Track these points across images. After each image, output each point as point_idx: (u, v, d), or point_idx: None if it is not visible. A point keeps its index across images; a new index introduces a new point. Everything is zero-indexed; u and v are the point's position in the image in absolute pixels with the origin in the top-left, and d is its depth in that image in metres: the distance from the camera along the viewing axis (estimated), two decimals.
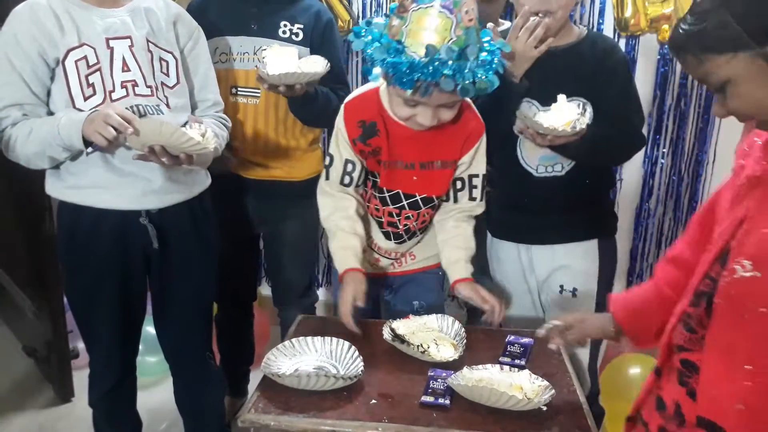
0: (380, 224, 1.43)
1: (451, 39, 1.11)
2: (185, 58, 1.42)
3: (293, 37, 1.61)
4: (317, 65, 1.46)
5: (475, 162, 1.36)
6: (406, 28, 1.14)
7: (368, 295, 1.37)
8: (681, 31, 0.79)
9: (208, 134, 1.30)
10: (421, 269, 1.49)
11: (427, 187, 1.35)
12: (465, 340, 1.25)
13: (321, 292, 2.42)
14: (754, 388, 0.78)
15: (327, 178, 1.38)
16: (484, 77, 1.14)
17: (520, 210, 1.51)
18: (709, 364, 0.83)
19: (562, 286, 1.52)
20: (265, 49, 1.46)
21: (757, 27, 0.74)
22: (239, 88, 1.62)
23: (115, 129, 1.19)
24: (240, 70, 1.61)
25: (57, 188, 1.37)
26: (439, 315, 1.31)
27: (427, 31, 1.12)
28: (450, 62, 1.10)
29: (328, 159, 1.37)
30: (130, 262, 1.41)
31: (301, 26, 1.61)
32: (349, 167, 1.35)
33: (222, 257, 1.58)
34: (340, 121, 1.34)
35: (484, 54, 1.16)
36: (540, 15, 1.34)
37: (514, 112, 1.37)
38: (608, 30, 1.99)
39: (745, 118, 0.82)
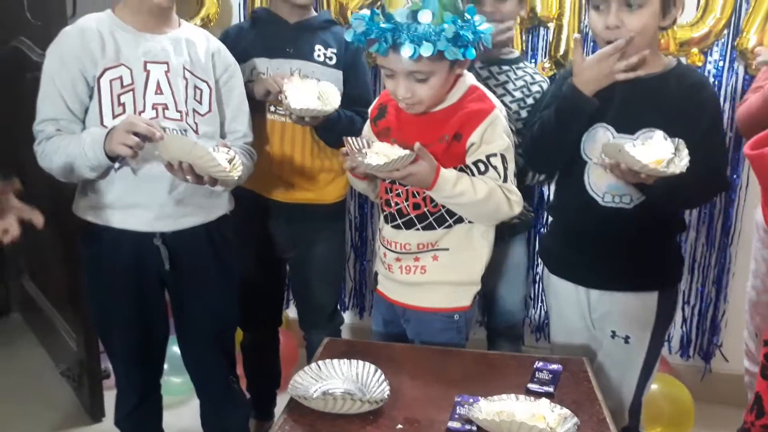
0: (381, 206, 1.44)
1: (406, 4, 1.20)
2: (219, 89, 1.47)
3: (327, 60, 1.66)
4: (335, 99, 1.51)
5: (486, 141, 1.31)
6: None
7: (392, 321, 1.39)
8: None
9: (236, 161, 1.34)
10: (432, 309, 1.43)
11: None
12: (404, 156, 1.23)
13: (347, 315, 2.42)
14: None
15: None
16: (434, 42, 1.18)
17: (581, 248, 1.45)
18: None
19: (614, 332, 1.45)
20: (285, 83, 1.50)
21: None
22: (277, 107, 1.65)
23: (141, 137, 1.22)
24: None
25: (81, 207, 1.43)
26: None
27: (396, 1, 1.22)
28: (397, 21, 1.19)
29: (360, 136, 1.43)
30: (145, 282, 1.45)
31: (335, 50, 1.66)
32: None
33: (247, 281, 1.60)
34: (373, 103, 1.47)
35: (446, 23, 1.20)
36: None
37: (580, 132, 1.35)
38: None
39: None
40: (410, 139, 1.31)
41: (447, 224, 1.38)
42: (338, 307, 1.93)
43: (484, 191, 1.29)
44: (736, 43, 1.91)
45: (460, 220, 1.38)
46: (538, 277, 2.25)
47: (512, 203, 1.33)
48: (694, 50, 1.94)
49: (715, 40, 1.92)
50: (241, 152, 1.46)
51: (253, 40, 1.67)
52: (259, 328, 1.90)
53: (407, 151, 1.24)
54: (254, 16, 1.75)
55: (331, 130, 1.59)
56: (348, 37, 1.27)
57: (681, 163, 1.20)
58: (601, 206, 1.39)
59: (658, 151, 1.22)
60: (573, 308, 1.51)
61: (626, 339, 1.45)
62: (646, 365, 1.47)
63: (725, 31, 1.91)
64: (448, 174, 1.28)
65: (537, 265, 2.24)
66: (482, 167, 1.32)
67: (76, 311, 2.06)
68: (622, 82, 1.33)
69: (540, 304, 2.28)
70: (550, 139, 1.40)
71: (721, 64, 1.95)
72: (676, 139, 1.24)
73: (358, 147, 1.28)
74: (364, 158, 1.25)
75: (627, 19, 1.28)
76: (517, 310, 1.85)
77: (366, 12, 1.25)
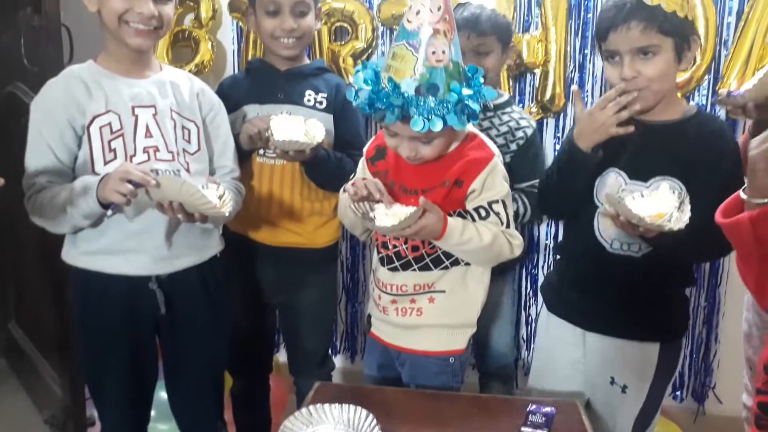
0: (377, 249, 1.44)
1: (413, 75, 1.19)
2: (206, 127, 1.51)
3: (317, 105, 1.69)
4: (319, 134, 1.53)
5: (487, 188, 1.33)
6: (385, 63, 1.25)
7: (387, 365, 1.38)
8: None
9: (226, 197, 1.35)
10: (428, 352, 1.42)
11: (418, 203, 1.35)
12: (409, 215, 1.24)
13: (338, 359, 2.39)
14: None
15: (344, 190, 1.43)
16: (442, 115, 1.19)
17: (585, 290, 1.44)
18: None
19: (613, 379, 1.43)
20: (271, 118, 1.53)
21: None
22: (266, 150, 1.67)
23: (135, 184, 1.23)
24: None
25: (71, 254, 1.42)
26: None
27: (398, 67, 1.21)
28: (405, 95, 1.18)
29: (352, 175, 1.47)
30: (140, 327, 1.43)
31: (325, 95, 1.70)
32: None
33: (237, 325, 1.59)
34: (368, 143, 1.47)
35: (452, 94, 1.21)
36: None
37: (588, 180, 1.35)
38: None
39: None
40: (410, 182, 1.35)
41: (443, 265, 1.38)
42: (329, 352, 1.91)
43: (489, 237, 1.31)
44: (717, 88, 1.96)
45: (456, 261, 1.38)
46: (531, 319, 2.24)
47: (514, 246, 1.35)
48: (678, 95, 1.98)
49: (697, 85, 1.98)
50: (230, 188, 1.48)
51: (247, 89, 1.72)
52: (249, 374, 1.88)
53: (413, 208, 1.26)
54: (248, 66, 1.80)
55: (320, 169, 1.61)
56: (352, 99, 1.28)
57: (682, 218, 1.18)
58: (608, 252, 1.38)
59: (662, 204, 1.21)
60: (567, 349, 1.50)
61: (624, 388, 1.43)
62: (643, 414, 1.44)
63: (707, 77, 1.96)
64: (454, 223, 1.30)
65: (530, 306, 2.24)
66: (483, 213, 1.34)
67: (62, 357, 2.03)
68: (637, 127, 1.32)
69: (533, 345, 2.27)
70: (556, 190, 1.42)
71: (702, 109, 2.00)
72: (683, 192, 1.23)
73: (363, 211, 1.29)
74: (375, 221, 1.25)
75: (643, 68, 1.28)
76: (508, 350, 1.84)
77: (367, 73, 1.23)
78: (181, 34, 2.21)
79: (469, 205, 1.35)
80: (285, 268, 1.73)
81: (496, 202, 1.34)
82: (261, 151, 1.68)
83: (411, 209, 1.26)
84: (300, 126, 1.52)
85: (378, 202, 1.31)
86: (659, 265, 1.35)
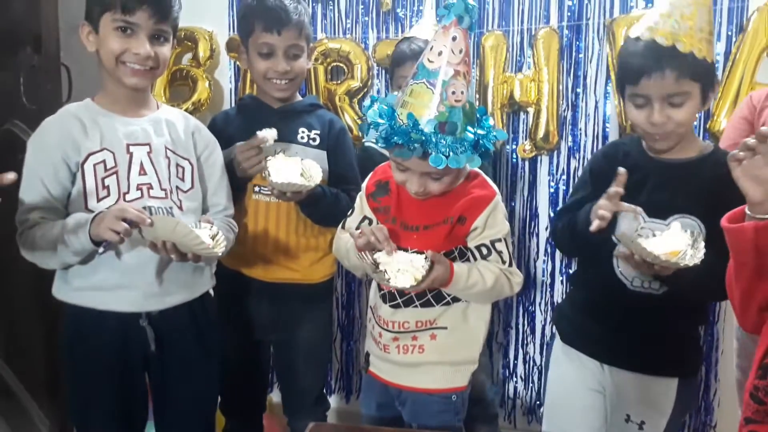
0: (379, 286, 1.43)
1: (434, 113, 1.21)
2: (201, 165, 1.51)
3: (311, 141, 1.71)
4: (317, 175, 1.54)
5: (489, 226, 1.35)
6: (402, 99, 1.27)
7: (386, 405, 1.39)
8: None
9: (219, 236, 1.35)
10: (430, 390, 1.41)
11: (423, 242, 1.35)
12: (424, 272, 1.24)
13: (333, 399, 2.35)
14: None
15: (343, 226, 1.45)
16: (458, 154, 1.22)
17: (603, 323, 1.42)
18: None
19: (629, 416, 1.41)
20: (268, 159, 1.54)
21: None
22: (261, 187, 1.68)
23: (130, 223, 1.24)
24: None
25: (63, 290, 1.41)
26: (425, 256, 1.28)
27: (417, 104, 1.23)
28: (425, 131, 1.20)
29: (350, 210, 1.47)
30: (130, 365, 1.42)
31: (318, 132, 1.72)
32: (365, 223, 1.42)
33: (229, 363, 1.57)
34: (367, 179, 1.47)
35: (468, 134, 1.24)
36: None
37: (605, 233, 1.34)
38: (613, 134, 2.06)
39: None
40: (411, 219, 1.37)
41: (445, 301, 1.38)
42: (324, 391, 1.88)
43: (492, 279, 1.33)
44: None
45: (457, 298, 1.38)
46: (528, 357, 2.22)
47: (513, 284, 1.38)
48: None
49: None
50: (223, 226, 1.48)
51: (239, 125, 1.72)
52: (242, 414, 1.84)
53: (417, 256, 1.28)
54: (240, 103, 1.82)
55: (316, 206, 1.62)
56: (366, 136, 1.29)
57: (697, 255, 1.19)
58: (629, 290, 1.38)
59: (675, 242, 1.22)
60: (585, 379, 1.46)
61: (641, 425, 1.40)
62: None
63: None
64: (459, 270, 1.32)
65: (527, 344, 2.21)
66: (485, 251, 1.36)
67: (52, 398, 1.99)
68: (657, 164, 1.35)
69: (531, 384, 2.24)
70: (571, 243, 1.42)
71: None
72: (696, 230, 1.24)
73: (371, 264, 1.29)
74: (390, 281, 1.26)
75: (672, 113, 1.29)
76: (488, 387, 1.81)
77: (382, 108, 1.25)
78: (179, 72, 2.24)
79: (471, 243, 1.36)
80: (280, 304, 1.72)
81: (499, 240, 1.36)
82: (256, 188, 1.69)
83: (416, 257, 1.28)
84: (297, 167, 1.53)
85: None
86: (680, 301, 1.34)
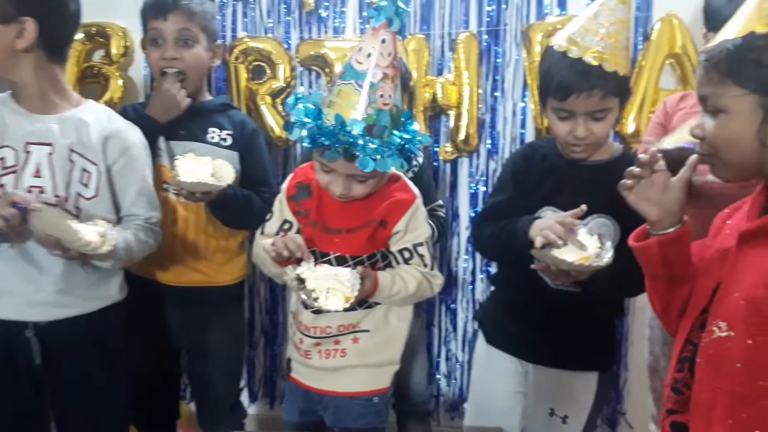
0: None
1: (362, 115, 1.21)
2: (112, 175, 1.43)
3: (221, 142, 1.67)
4: (228, 175, 1.50)
5: (411, 229, 1.37)
6: (328, 99, 1.25)
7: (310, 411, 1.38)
8: (725, 48, 0.86)
9: (109, 236, 1.29)
10: (352, 394, 1.41)
11: (345, 246, 1.35)
12: (357, 291, 1.24)
13: (257, 405, 2.31)
14: None
15: (262, 232, 1.41)
16: (385, 157, 1.22)
17: (526, 323, 1.47)
18: (695, 422, 0.90)
19: (553, 410, 1.47)
20: (177, 158, 1.49)
21: None
22: (169, 186, 1.63)
23: (19, 208, 1.19)
24: (168, 167, 1.63)
25: None
26: (352, 271, 1.28)
27: (344, 105, 1.23)
28: (353, 134, 1.20)
29: (269, 215, 1.42)
30: (17, 378, 1.34)
31: (230, 132, 1.69)
32: (286, 226, 1.39)
33: (139, 373, 1.51)
34: (286, 181, 1.43)
35: (394, 138, 1.24)
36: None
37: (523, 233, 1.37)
38: (530, 137, 2.13)
39: (710, 149, 0.91)
40: (333, 221, 1.36)
41: (367, 304, 1.38)
42: (240, 398, 1.84)
43: (414, 284, 1.35)
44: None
45: None
46: (451, 353, 2.26)
47: (434, 286, 1.40)
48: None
49: None
50: (138, 228, 1.42)
51: (148, 123, 1.64)
52: (155, 426, 1.78)
53: (347, 271, 1.27)
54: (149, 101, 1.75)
55: (226, 208, 1.58)
56: (291, 136, 1.27)
57: (606, 255, 1.25)
58: (550, 288, 1.43)
59: (585, 248, 1.27)
60: (507, 381, 1.51)
61: (564, 419, 1.46)
62: None
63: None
64: (383, 280, 1.33)
65: (449, 341, 2.25)
66: (407, 255, 1.38)
67: None
68: (572, 166, 1.40)
69: (454, 381, 2.28)
70: (494, 252, 1.46)
71: None
72: (607, 221, 1.31)
73: (293, 277, 1.26)
74: (324, 306, 1.24)
75: (595, 127, 1.36)
76: (424, 386, 1.84)
77: (308, 108, 1.24)
78: (90, 70, 2.14)
79: (394, 247, 1.37)
80: (189, 309, 1.67)
81: (420, 244, 1.38)
82: (164, 186, 1.64)
83: (341, 270, 1.27)
84: (207, 167, 1.48)
85: (299, 261, 1.29)
86: (599, 297, 1.40)
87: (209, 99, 1.74)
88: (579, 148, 1.39)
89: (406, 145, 1.25)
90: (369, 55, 1.23)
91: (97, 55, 2.18)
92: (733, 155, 0.89)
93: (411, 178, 1.69)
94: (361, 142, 1.20)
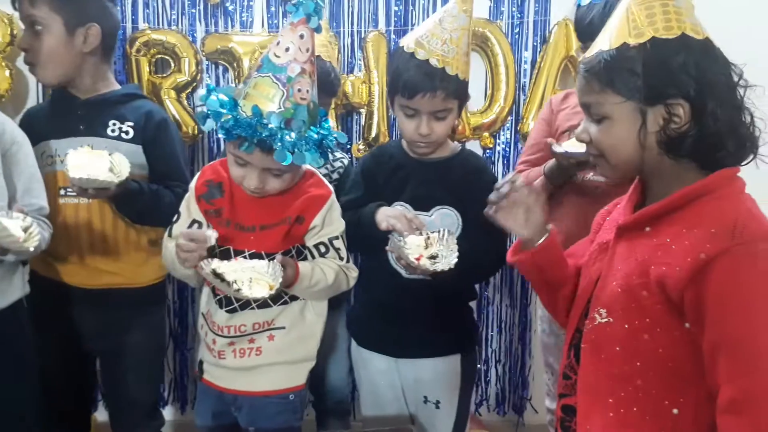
0: (213, 292, 1.38)
1: (279, 108, 1.21)
2: (6, 164, 1.36)
3: (123, 135, 1.59)
4: (125, 169, 1.43)
5: (327, 224, 1.38)
6: (244, 91, 1.24)
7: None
8: (602, 58, 0.92)
9: (33, 230, 1.24)
10: (267, 392, 1.39)
11: (260, 243, 1.34)
12: (281, 279, 1.23)
13: (168, 411, 2.22)
14: (616, 419, 0.93)
15: (170, 234, 1.36)
16: (303, 151, 1.22)
17: (388, 319, 1.52)
18: (581, 403, 0.97)
19: (426, 397, 1.55)
20: (67, 153, 1.41)
21: (653, 88, 0.89)
22: (67, 189, 1.54)
23: None
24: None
25: None
26: (270, 262, 1.26)
27: (261, 97, 1.22)
28: (270, 126, 1.19)
29: (176, 216, 1.37)
30: None
31: (132, 124, 1.60)
32: (195, 227, 1.34)
33: (48, 381, 1.42)
34: (194, 180, 1.39)
35: (311, 132, 1.25)
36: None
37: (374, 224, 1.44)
38: None
39: (596, 152, 0.98)
40: (247, 219, 1.34)
41: (282, 301, 1.37)
42: (158, 403, 1.78)
43: (333, 275, 1.36)
44: (519, 128, 2.20)
45: (295, 296, 1.38)
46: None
47: (350, 279, 1.42)
48: (486, 134, 2.20)
49: (502, 125, 2.20)
50: (37, 220, 1.34)
51: (47, 121, 1.58)
52: None
53: (264, 263, 1.24)
54: (51, 96, 1.66)
55: (132, 204, 1.51)
56: (205, 127, 1.23)
57: (451, 258, 1.32)
58: (405, 279, 1.49)
59: (416, 250, 1.34)
60: (384, 377, 1.58)
61: (437, 404, 1.54)
62: (457, 426, 1.57)
63: (509, 118, 2.20)
64: (304, 269, 1.32)
65: None
66: (323, 249, 1.38)
67: None
68: (417, 163, 1.50)
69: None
70: (355, 241, 1.47)
71: (507, 146, 2.23)
72: (453, 213, 1.43)
73: (209, 271, 1.22)
74: (247, 294, 1.20)
75: (436, 126, 1.44)
76: (344, 384, 1.85)
77: (223, 99, 1.22)
78: None
79: (310, 242, 1.38)
80: (104, 311, 1.59)
81: (336, 238, 1.39)
82: (62, 191, 1.54)
83: (257, 262, 1.25)
84: (102, 161, 1.40)
85: (212, 256, 1.26)
86: (450, 284, 1.46)
87: (112, 90, 1.64)
88: (423, 144, 1.48)
89: (323, 141, 1.26)
90: (287, 50, 1.23)
91: None
92: (619, 158, 0.96)
93: (337, 180, 1.71)
94: (279, 135, 1.19)
